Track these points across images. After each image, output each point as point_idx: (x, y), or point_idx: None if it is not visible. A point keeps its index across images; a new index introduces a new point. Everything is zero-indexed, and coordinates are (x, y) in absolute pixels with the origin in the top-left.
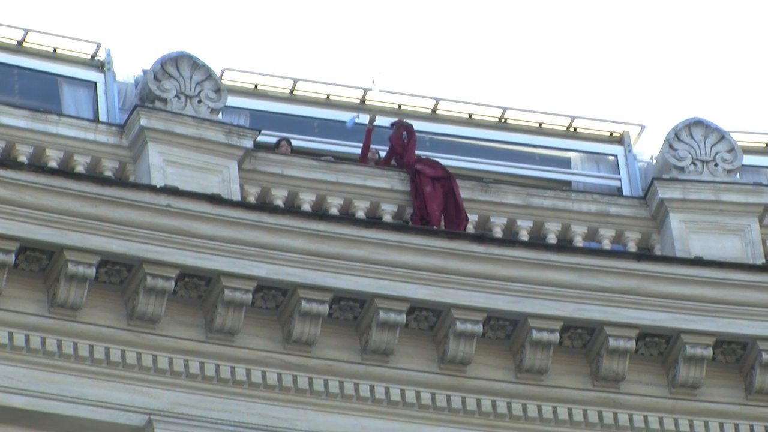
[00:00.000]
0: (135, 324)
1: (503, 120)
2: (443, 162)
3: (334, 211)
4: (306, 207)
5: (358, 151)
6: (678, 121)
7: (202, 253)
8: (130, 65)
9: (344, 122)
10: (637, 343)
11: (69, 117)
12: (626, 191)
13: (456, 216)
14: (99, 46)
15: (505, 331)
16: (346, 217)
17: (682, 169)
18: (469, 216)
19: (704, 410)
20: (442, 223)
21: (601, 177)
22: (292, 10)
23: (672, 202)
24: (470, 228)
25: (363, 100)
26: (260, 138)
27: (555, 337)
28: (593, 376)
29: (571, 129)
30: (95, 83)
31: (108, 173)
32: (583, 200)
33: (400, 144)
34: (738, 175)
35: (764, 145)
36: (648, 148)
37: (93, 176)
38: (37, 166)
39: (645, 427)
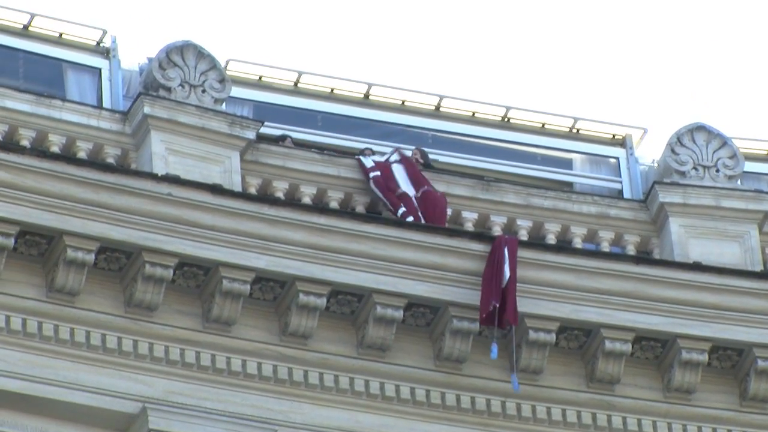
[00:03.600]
0: (132, 311)
1: (506, 119)
2: (446, 159)
3: (334, 205)
4: (307, 200)
5: (361, 145)
6: (681, 126)
7: (201, 242)
8: (136, 53)
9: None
10: (633, 346)
11: (73, 102)
12: (627, 194)
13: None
14: (105, 32)
15: (501, 331)
16: (347, 211)
17: (683, 174)
18: (469, 214)
19: (698, 415)
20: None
21: (603, 179)
22: (298, 3)
23: (672, 206)
24: (470, 226)
25: (367, 95)
26: (263, 130)
27: (551, 337)
28: (588, 378)
29: (574, 130)
30: (100, 70)
31: (110, 160)
32: (584, 202)
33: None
34: (739, 182)
35: (766, 153)
36: (650, 152)
37: (95, 163)
38: (40, 150)
39: (638, 430)
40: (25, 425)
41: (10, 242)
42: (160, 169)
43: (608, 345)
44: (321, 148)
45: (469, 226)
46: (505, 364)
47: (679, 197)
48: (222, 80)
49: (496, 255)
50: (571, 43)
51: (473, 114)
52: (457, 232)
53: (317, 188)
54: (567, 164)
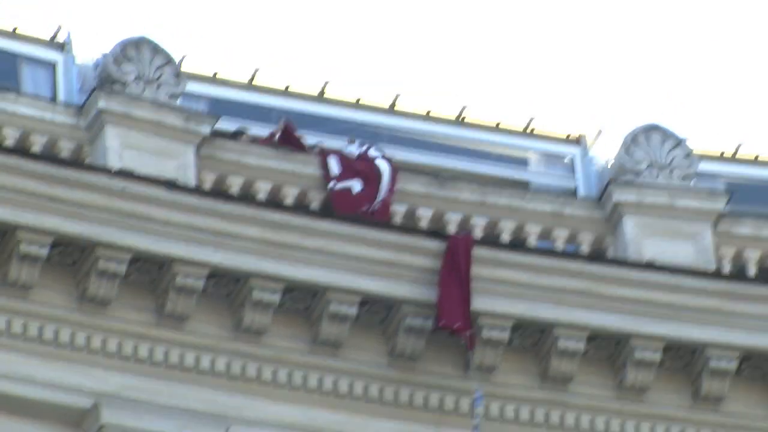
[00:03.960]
0: (86, 306)
1: (462, 117)
2: (401, 156)
3: (289, 200)
4: (262, 196)
5: (312, 141)
6: (635, 126)
7: (155, 237)
8: (91, 47)
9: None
10: (586, 345)
11: (27, 96)
12: (582, 193)
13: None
14: (60, 27)
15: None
16: (302, 207)
17: (638, 173)
18: (424, 211)
19: (651, 414)
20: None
21: (558, 177)
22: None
23: (627, 205)
24: (425, 223)
25: (322, 92)
26: (219, 125)
27: (505, 335)
28: (542, 376)
29: (529, 129)
30: (55, 64)
31: (65, 154)
32: (539, 200)
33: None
34: (693, 182)
35: (720, 153)
36: (605, 151)
37: (49, 156)
38: None
39: (591, 428)
40: None
41: None
42: (114, 164)
43: (562, 343)
44: (276, 145)
45: (424, 224)
46: (459, 361)
47: (633, 196)
48: (177, 75)
49: (455, 258)
50: (527, 42)
51: (428, 112)
52: (412, 230)
53: (273, 184)
54: (522, 162)
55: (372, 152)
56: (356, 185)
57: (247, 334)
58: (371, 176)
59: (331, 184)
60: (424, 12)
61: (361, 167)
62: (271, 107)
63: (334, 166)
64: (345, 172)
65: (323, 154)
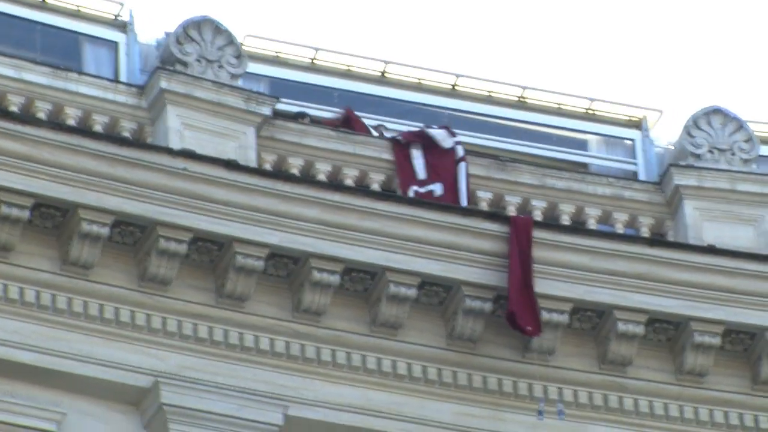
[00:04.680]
0: (146, 285)
1: (522, 99)
2: (462, 138)
3: (349, 182)
4: (321, 177)
5: (376, 122)
6: (697, 109)
7: (215, 218)
8: (153, 27)
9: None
10: (645, 329)
11: (89, 76)
12: (642, 176)
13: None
14: (122, 6)
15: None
16: (361, 188)
17: (698, 157)
18: (484, 194)
19: (710, 398)
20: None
21: (618, 161)
22: None
23: (687, 189)
24: (485, 206)
25: (383, 73)
26: (279, 106)
27: (564, 318)
28: (600, 359)
29: (590, 111)
30: (117, 43)
31: (126, 134)
32: (599, 183)
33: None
34: (754, 166)
35: None
36: (666, 134)
37: (111, 136)
38: (56, 123)
39: (650, 412)
40: (37, 397)
41: (26, 214)
42: (175, 144)
43: (621, 327)
44: (337, 126)
45: (483, 206)
46: (518, 344)
47: (694, 180)
48: (239, 56)
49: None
50: (588, 23)
51: (489, 93)
52: (472, 212)
53: (332, 165)
54: (582, 145)
55: (446, 141)
56: (438, 189)
57: (306, 315)
58: (450, 180)
59: (415, 187)
60: None
61: (443, 171)
62: (332, 88)
63: (419, 167)
64: (430, 176)
65: (400, 146)
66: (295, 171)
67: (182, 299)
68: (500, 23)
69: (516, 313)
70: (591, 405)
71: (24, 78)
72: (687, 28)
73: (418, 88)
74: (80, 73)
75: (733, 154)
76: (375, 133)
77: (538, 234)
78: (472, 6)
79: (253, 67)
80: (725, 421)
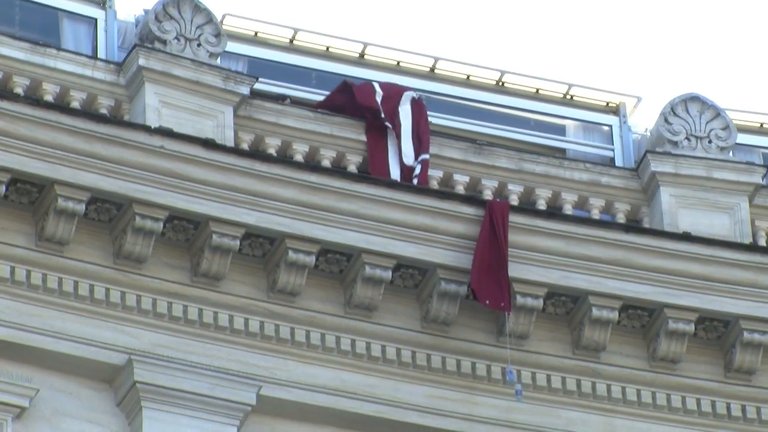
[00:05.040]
0: (121, 263)
1: (501, 83)
2: (439, 121)
3: (326, 163)
4: (299, 157)
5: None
6: (675, 96)
7: (192, 196)
8: (132, 4)
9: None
10: (619, 315)
11: (68, 52)
12: (619, 162)
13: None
14: None
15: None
16: (338, 170)
17: (675, 144)
18: (460, 177)
19: (682, 385)
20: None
21: (595, 146)
22: None
23: (663, 175)
24: (461, 189)
25: (362, 54)
26: (257, 86)
27: (539, 303)
28: (574, 345)
29: (568, 97)
30: (96, 20)
31: (103, 111)
32: (575, 168)
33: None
34: (731, 153)
35: (759, 125)
36: (643, 121)
37: (88, 113)
38: (33, 99)
39: (622, 398)
40: (11, 373)
41: (1, 189)
42: (153, 122)
43: (595, 312)
44: (315, 107)
45: (460, 189)
46: (492, 328)
47: (670, 167)
48: (218, 35)
49: (495, 229)
50: (567, 9)
51: (468, 77)
52: (448, 195)
53: (309, 146)
54: (560, 130)
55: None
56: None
57: (281, 296)
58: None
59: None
60: None
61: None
62: (310, 69)
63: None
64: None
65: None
66: (272, 151)
67: (157, 277)
68: (479, 7)
69: (476, 290)
70: (564, 390)
71: (2, 53)
72: (666, 15)
73: (397, 70)
74: (59, 49)
75: (710, 141)
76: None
77: (514, 218)
78: None
79: (232, 46)
80: (697, 409)
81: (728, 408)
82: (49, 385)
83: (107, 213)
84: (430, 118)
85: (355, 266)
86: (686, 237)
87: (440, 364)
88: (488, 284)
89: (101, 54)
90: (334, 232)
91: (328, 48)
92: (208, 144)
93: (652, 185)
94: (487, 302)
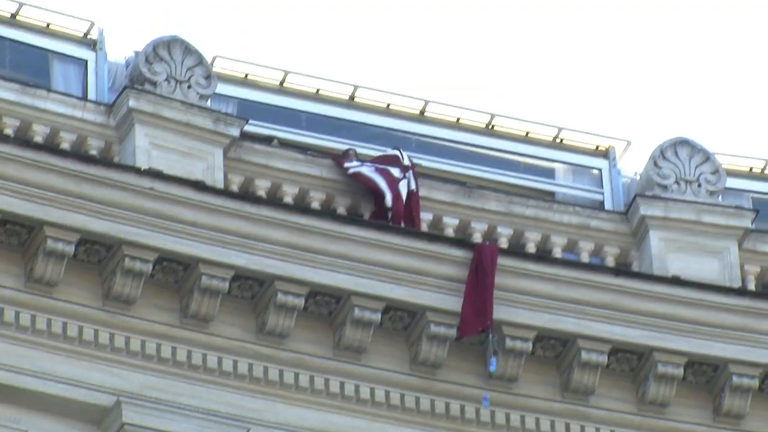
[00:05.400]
0: (110, 304)
1: (491, 126)
2: (429, 164)
3: (316, 205)
4: (288, 199)
5: (343, 146)
6: (664, 140)
7: (181, 238)
8: (123, 46)
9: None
10: (609, 358)
11: (58, 93)
12: (608, 205)
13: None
14: (92, 24)
15: (478, 338)
16: (328, 212)
17: (665, 188)
18: (450, 220)
19: (671, 429)
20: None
21: (585, 190)
22: (286, 2)
23: (653, 219)
24: (450, 232)
25: (352, 97)
26: (247, 128)
27: (528, 346)
28: (563, 388)
29: (558, 140)
30: (86, 61)
31: (93, 152)
32: (565, 211)
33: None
34: (720, 198)
35: (748, 169)
36: (633, 164)
37: (78, 154)
38: (23, 140)
39: None
40: None
41: None
42: (143, 163)
43: (584, 356)
44: (305, 149)
45: (449, 232)
46: (481, 371)
47: (660, 210)
48: (208, 76)
49: (481, 264)
50: (558, 53)
51: (458, 120)
52: (438, 238)
53: (299, 188)
54: (549, 173)
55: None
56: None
57: (270, 338)
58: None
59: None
60: (454, 20)
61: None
62: (300, 111)
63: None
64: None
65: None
66: (262, 193)
67: (146, 319)
68: (470, 51)
69: (464, 330)
70: None
71: None
72: (655, 60)
73: (387, 112)
74: (49, 90)
75: (699, 185)
76: (355, 162)
77: (503, 261)
78: (441, 33)
79: (222, 88)
80: None
81: None
82: (38, 426)
83: (96, 254)
84: (419, 161)
85: (345, 308)
86: (676, 281)
87: (429, 406)
88: (475, 328)
89: (91, 95)
90: (323, 274)
91: (318, 90)
92: (198, 186)
93: (642, 229)
94: (481, 328)
